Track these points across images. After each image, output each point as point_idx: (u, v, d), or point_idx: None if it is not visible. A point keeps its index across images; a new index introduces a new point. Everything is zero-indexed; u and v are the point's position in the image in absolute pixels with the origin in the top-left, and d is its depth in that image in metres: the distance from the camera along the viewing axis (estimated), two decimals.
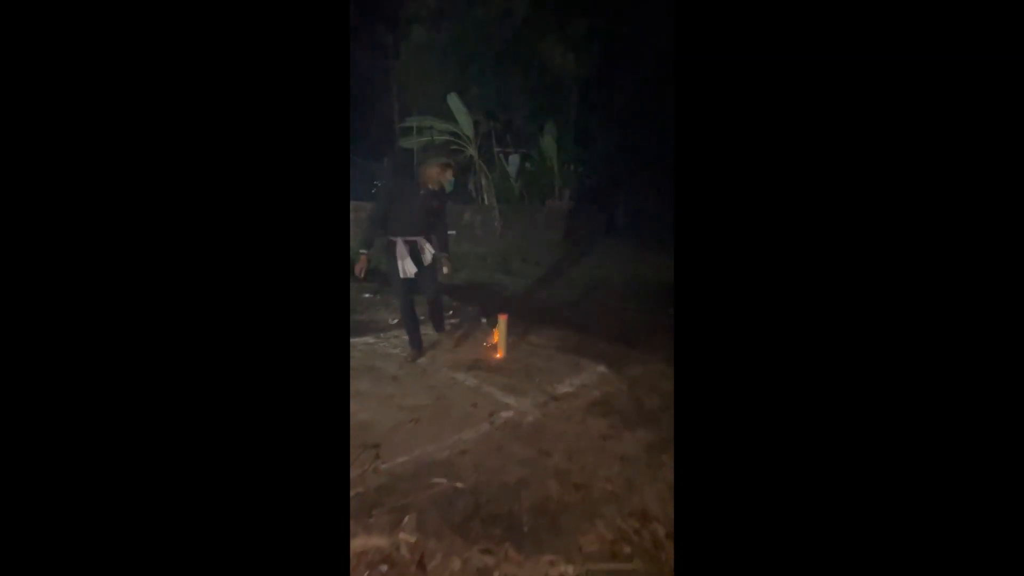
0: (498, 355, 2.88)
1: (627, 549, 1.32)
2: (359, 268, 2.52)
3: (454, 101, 7.38)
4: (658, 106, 6.74)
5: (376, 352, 2.94)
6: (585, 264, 6.76)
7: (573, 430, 2.03)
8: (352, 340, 3.04)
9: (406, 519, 1.22)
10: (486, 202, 7.95)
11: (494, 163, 8.07)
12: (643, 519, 1.44)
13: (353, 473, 1.60)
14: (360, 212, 5.31)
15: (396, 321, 3.45)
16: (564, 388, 2.46)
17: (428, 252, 2.70)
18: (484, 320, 3.65)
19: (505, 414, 2.14)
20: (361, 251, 2.56)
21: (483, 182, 7.96)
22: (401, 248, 2.59)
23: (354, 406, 2.14)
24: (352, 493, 1.47)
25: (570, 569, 1.22)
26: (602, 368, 2.72)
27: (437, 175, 2.65)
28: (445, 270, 2.88)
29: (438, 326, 3.00)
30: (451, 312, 3.92)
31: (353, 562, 1.05)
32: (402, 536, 1.18)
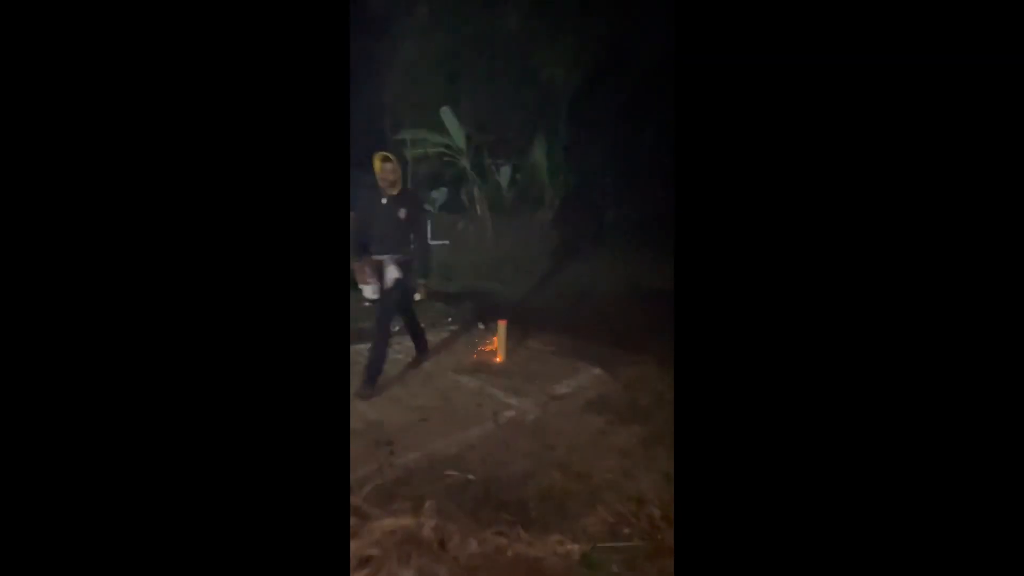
0: (498, 359, 3.01)
1: (626, 530, 1.46)
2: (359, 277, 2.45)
3: (447, 115, 7.55)
4: (647, 115, 6.92)
5: None
6: (577, 271, 6.92)
7: (573, 427, 2.16)
8: (353, 347, 3.14)
9: (427, 504, 1.34)
10: (479, 212, 8.11)
11: (486, 174, 8.25)
12: (640, 504, 1.57)
13: (370, 468, 1.72)
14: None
15: (397, 329, 3.55)
16: (563, 389, 2.59)
17: (390, 274, 2.44)
18: (483, 326, 3.77)
19: (508, 413, 2.27)
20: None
21: (476, 193, 8.13)
22: (362, 269, 2.43)
23: (363, 407, 2.26)
24: (370, 486, 1.58)
25: (576, 547, 1.34)
26: (598, 370, 2.86)
27: (379, 172, 2.43)
28: (417, 296, 2.59)
29: (419, 348, 2.89)
30: (450, 319, 4.05)
31: (384, 538, 1.16)
32: (423, 520, 1.30)
